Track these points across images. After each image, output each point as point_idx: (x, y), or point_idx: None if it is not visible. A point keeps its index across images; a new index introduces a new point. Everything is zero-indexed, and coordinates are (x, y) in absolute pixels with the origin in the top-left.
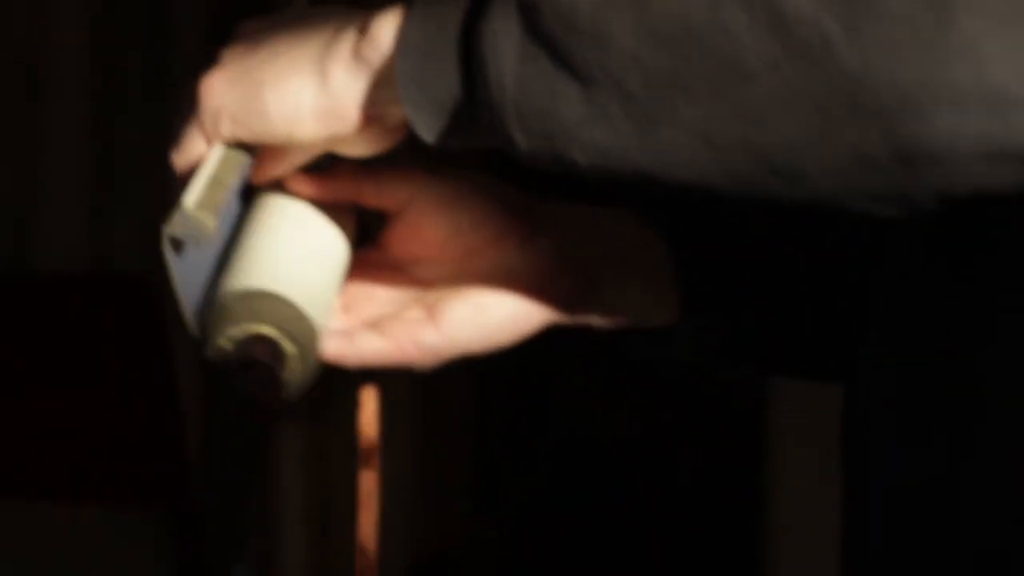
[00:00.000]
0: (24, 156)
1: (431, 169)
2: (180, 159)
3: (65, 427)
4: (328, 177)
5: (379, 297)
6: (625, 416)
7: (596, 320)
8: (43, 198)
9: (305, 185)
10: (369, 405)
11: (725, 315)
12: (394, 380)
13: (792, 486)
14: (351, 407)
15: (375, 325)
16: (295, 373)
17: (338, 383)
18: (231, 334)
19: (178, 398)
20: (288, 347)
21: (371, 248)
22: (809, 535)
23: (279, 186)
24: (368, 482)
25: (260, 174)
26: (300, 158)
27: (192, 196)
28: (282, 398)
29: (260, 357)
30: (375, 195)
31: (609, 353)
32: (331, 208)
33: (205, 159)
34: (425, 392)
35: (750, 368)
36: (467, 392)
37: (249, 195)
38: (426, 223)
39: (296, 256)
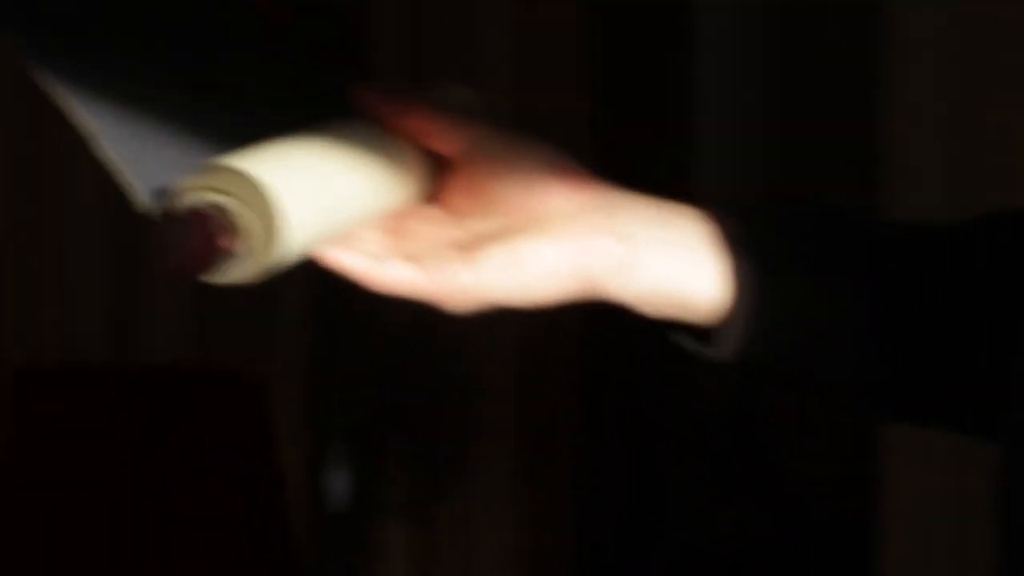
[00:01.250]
0: (127, 250)
1: (495, 125)
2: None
3: (169, 521)
4: (396, 102)
5: (424, 238)
6: (731, 519)
7: (636, 296)
8: (146, 292)
9: (371, 100)
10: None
11: (783, 319)
12: (497, 486)
13: None
14: (460, 501)
15: (411, 258)
16: (249, 253)
17: (446, 478)
18: (192, 196)
19: (283, 492)
20: (246, 223)
21: (427, 199)
22: None
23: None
24: None
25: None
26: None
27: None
28: (214, 268)
29: (209, 222)
30: (437, 135)
31: (714, 450)
32: (398, 148)
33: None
34: (527, 492)
35: (798, 384)
36: (569, 495)
37: None
38: (479, 177)
39: (309, 161)
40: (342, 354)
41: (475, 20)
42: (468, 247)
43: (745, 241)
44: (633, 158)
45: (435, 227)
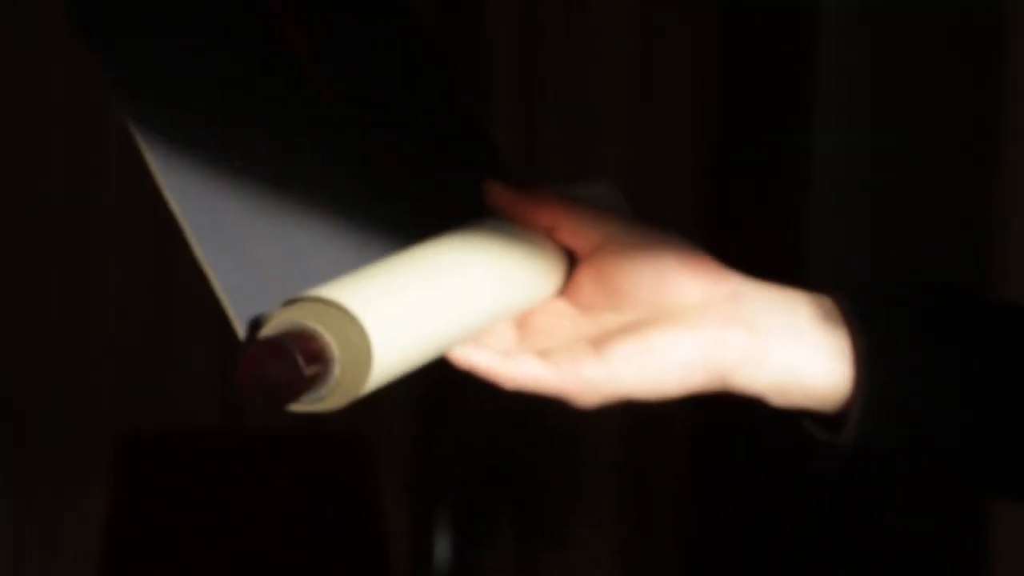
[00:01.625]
0: None
1: (625, 217)
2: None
3: None
4: (528, 198)
5: (553, 333)
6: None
7: (763, 386)
8: None
9: (504, 198)
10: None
11: (904, 401)
12: (602, 552)
13: None
14: (564, 568)
15: (541, 353)
16: (340, 383)
17: (551, 544)
18: (284, 323)
19: (388, 556)
20: (337, 353)
21: (558, 293)
22: None
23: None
24: None
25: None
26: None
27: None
28: (303, 396)
29: (296, 350)
30: (569, 232)
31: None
32: (531, 244)
33: None
34: (632, 560)
35: (917, 465)
36: (675, 564)
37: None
38: (610, 271)
39: (418, 281)
40: (448, 419)
41: (591, 112)
42: (598, 341)
43: (865, 326)
44: (745, 236)
45: (564, 322)
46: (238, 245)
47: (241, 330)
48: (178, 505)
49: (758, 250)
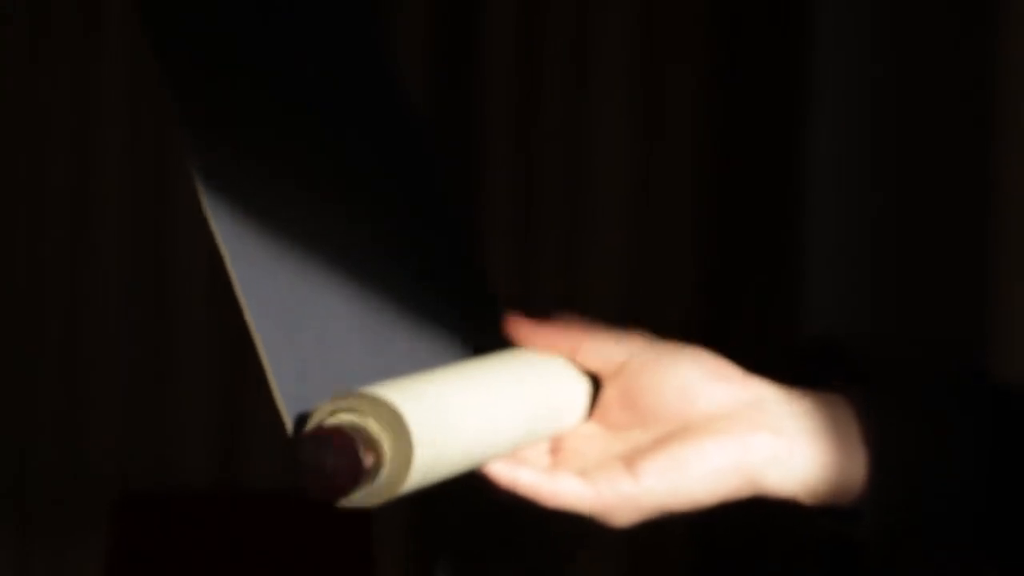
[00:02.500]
0: (231, 376)
1: (647, 336)
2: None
3: None
4: (548, 326)
5: (584, 456)
6: None
7: (794, 486)
8: (249, 418)
9: (525, 328)
10: None
11: (916, 497)
12: None
13: None
14: None
15: (577, 474)
16: (385, 480)
17: None
18: (333, 417)
19: None
20: (383, 450)
21: (586, 415)
22: None
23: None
24: None
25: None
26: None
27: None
28: (349, 491)
29: (347, 446)
30: (591, 355)
31: None
32: (557, 371)
33: None
34: None
35: (939, 559)
36: None
37: None
38: (635, 390)
39: (458, 392)
40: (444, 481)
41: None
42: (630, 459)
43: (878, 427)
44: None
45: (595, 443)
46: (292, 322)
47: (286, 407)
48: (173, 565)
49: (757, 326)
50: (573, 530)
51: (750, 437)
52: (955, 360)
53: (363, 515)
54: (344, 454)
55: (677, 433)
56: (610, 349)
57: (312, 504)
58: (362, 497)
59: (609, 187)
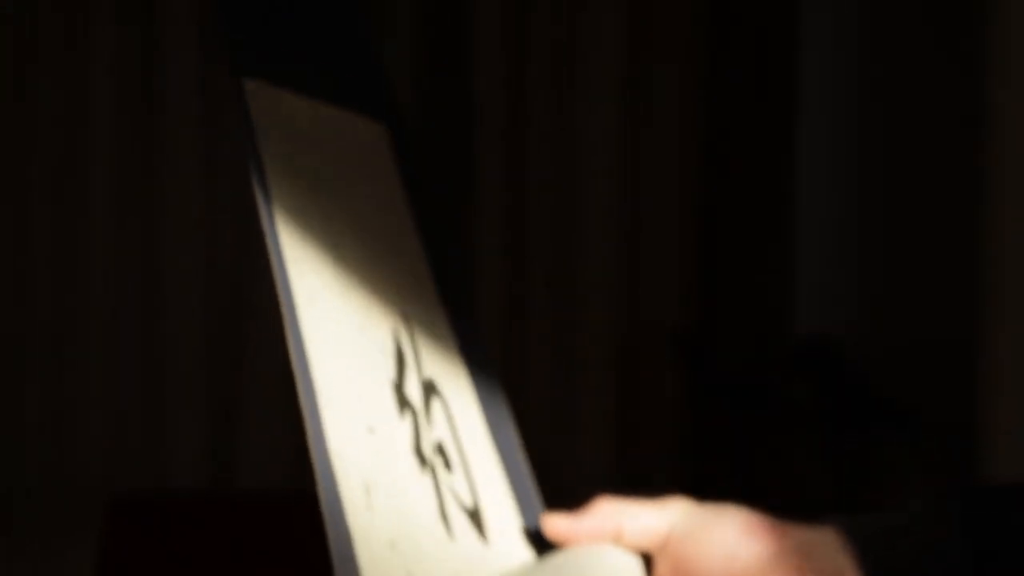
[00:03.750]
0: (224, 378)
1: (682, 500)
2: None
3: None
4: (586, 518)
5: None
6: None
7: None
8: (242, 420)
9: (561, 526)
10: None
11: None
12: None
13: None
14: None
15: None
16: None
17: None
18: None
19: None
20: None
21: None
22: None
23: None
24: None
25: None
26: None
27: None
28: None
29: None
30: (637, 534)
31: None
32: (617, 562)
33: None
34: None
35: None
36: None
37: None
38: (685, 560)
39: None
40: None
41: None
42: None
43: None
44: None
45: None
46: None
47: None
48: (166, 567)
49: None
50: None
51: None
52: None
53: None
54: None
55: None
56: (652, 524)
57: (305, 504)
58: None
59: (598, 186)
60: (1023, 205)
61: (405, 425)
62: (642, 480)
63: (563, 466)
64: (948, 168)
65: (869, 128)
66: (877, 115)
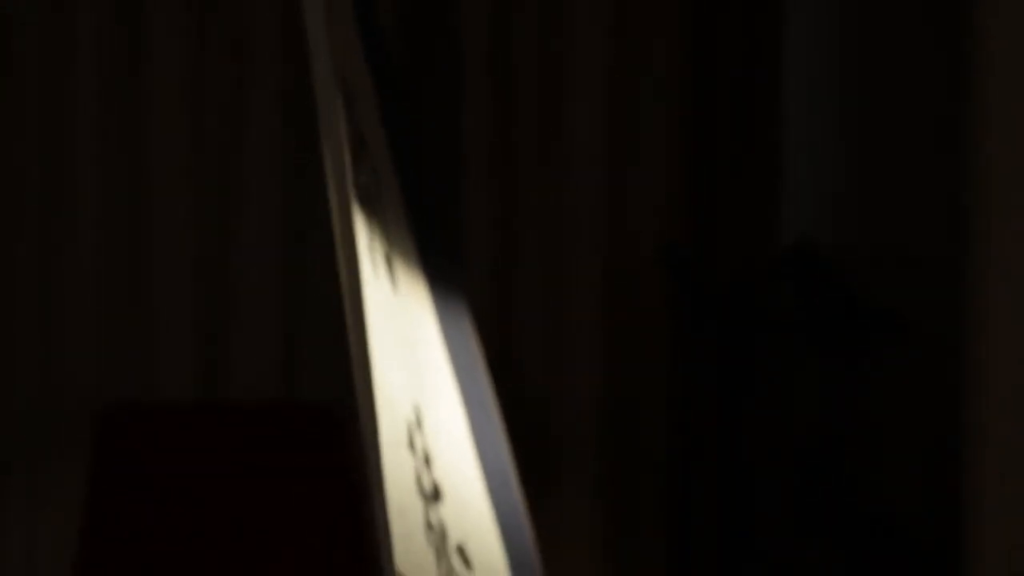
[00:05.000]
0: (215, 289)
1: None
2: None
3: (258, 548)
4: None
5: None
6: (818, 547)
7: None
8: (234, 331)
9: None
10: None
11: None
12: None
13: None
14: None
15: None
16: None
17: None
18: None
19: (368, 524)
20: None
21: None
22: None
23: None
24: None
25: None
26: None
27: None
28: None
29: None
30: None
31: None
32: None
33: None
34: (612, 527)
35: None
36: (656, 530)
37: None
38: None
39: None
40: None
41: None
42: None
43: None
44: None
45: None
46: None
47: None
48: (157, 478)
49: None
50: (547, 445)
51: None
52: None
53: (351, 419)
54: None
55: None
56: None
57: (294, 412)
58: None
59: (585, 102)
60: (1010, 110)
61: None
62: (630, 393)
63: (550, 378)
64: (933, 72)
65: (852, 35)
66: (861, 22)
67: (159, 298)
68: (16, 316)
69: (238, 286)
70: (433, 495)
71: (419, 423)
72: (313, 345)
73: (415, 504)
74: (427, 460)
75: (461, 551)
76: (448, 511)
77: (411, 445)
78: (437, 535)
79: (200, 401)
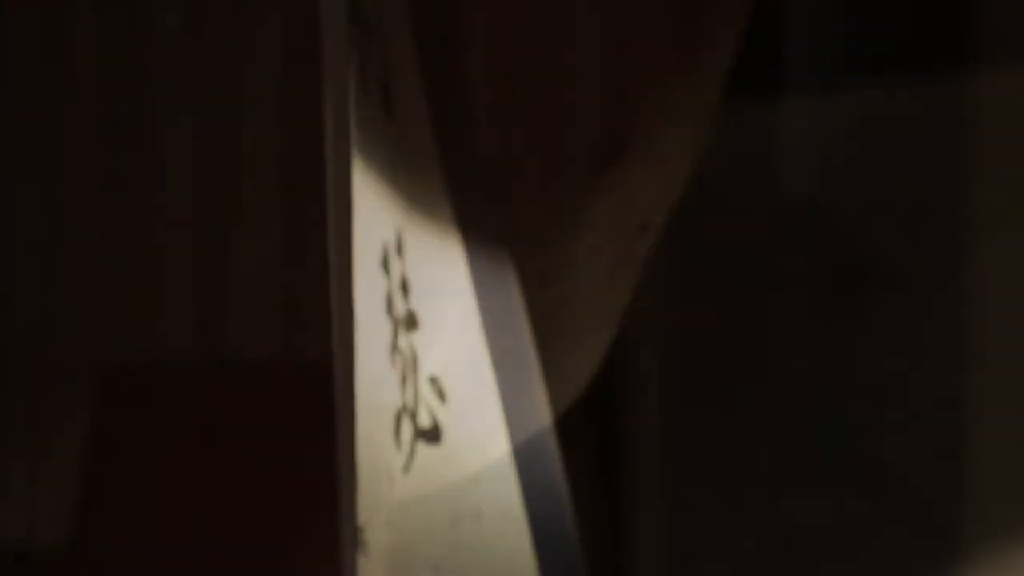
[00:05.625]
0: (214, 247)
1: None
2: None
3: (245, 522)
4: None
5: None
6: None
7: None
8: (234, 290)
9: None
10: None
11: None
12: None
13: None
14: None
15: None
16: None
17: None
18: None
19: None
20: None
21: None
22: None
23: None
24: None
25: None
26: None
27: None
28: None
29: None
30: None
31: None
32: None
33: None
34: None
35: None
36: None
37: None
38: None
39: None
40: None
41: None
42: None
43: None
44: None
45: None
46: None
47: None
48: (157, 440)
49: None
50: None
51: None
52: None
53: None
54: None
55: None
56: None
57: (299, 376)
58: None
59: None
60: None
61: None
62: (622, 352)
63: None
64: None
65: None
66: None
67: (156, 255)
68: (11, 275)
69: (238, 231)
70: (407, 321)
71: (399, 248)
72: (315, 304)
73: (380, 321)
74: (404, 286)
75: (435, 382)
76: (423, 341)
77: (385, 267)
78: (406, 359)
79: (195, 362)
